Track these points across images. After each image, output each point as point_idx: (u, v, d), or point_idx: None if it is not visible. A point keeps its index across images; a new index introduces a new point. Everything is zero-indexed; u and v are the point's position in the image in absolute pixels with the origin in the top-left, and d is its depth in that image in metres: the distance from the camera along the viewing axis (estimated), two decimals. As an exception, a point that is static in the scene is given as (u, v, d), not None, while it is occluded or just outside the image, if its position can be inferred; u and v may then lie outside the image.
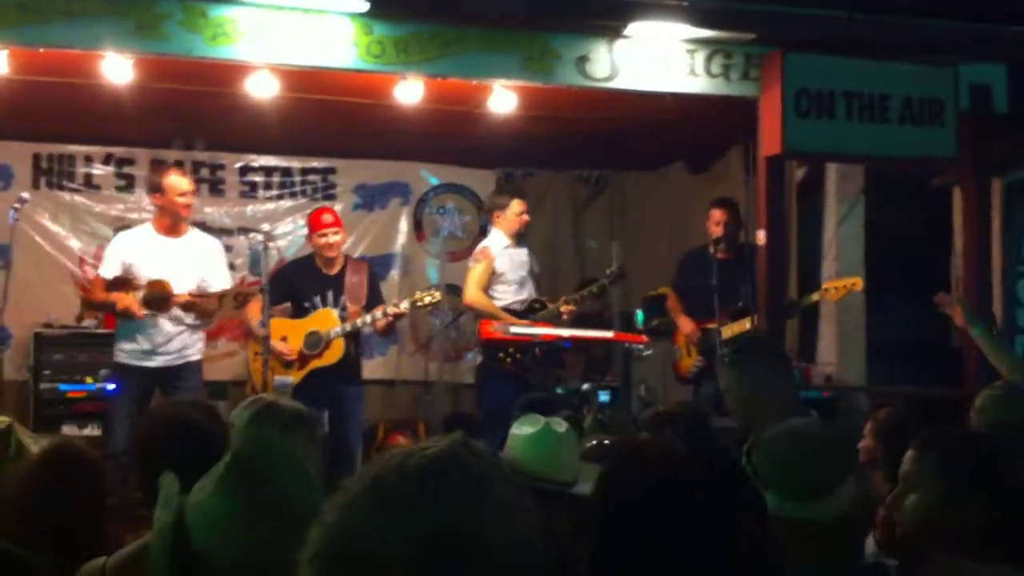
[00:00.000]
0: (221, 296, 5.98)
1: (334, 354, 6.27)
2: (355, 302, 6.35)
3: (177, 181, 5.99)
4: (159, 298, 5.81)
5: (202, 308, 5.92)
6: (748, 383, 3.43)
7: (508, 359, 6.53)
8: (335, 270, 6.44)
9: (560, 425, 2.70)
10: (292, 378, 6.12)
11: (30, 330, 7.31)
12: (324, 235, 6.38)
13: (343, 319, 6.30)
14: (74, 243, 7.71)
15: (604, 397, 6.31)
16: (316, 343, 6.26)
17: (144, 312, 5.78)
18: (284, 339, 6.27)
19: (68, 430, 6.99)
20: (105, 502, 2.84)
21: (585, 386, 6.35)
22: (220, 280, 6.11)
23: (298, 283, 6.43)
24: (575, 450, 2.72)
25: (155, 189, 6.05)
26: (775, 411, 3.30)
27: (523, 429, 2.70)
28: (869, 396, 6.98)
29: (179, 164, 7.71)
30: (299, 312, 6.38)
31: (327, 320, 6.28)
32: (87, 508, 2.68)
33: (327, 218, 6.48)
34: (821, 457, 2.14)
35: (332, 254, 6.40)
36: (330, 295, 6.38)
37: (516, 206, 6.71)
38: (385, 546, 1.14)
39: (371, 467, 1.21)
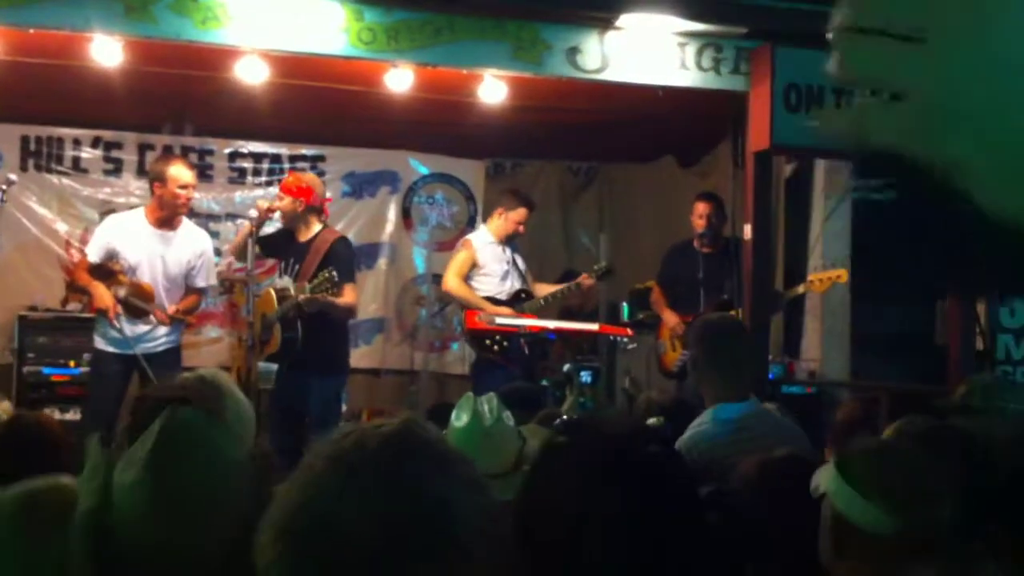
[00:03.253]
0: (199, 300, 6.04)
1: (275, 341, 5.84)
2: (302, 278, 5.87)
3: (180, 172, 5.82)
4: (138, 307, 5.73)
5: (179, 320, 5.89)
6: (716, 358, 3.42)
7: (495, 347, 6.54)
8: (306, 238, 6.02)
9: (489, 417, 2.68)
10: (276, 364, 6.04)
11: (14, 313, 7.29)
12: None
13: (283, 299, 5.86)
14: (61, 226, 7.68)
15: (586, 378, 6.30)
16: (266, 327, 5.84)
17: (115, 321, 5.67)
18: (250, 324, 5.86)
19: (51, 414, 6.99)
20: (61, 468, 2.89)
21: (567, 366, 6.35)
22: (206, 278, 6.04)
23: (278, 246, 6.12)
24: (508, 442, 2.69)
25: (157, 177, 5.85)
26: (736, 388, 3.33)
27: (458, 421, 2.69)
28: (852, 391, 7.01)
29: (167, 149, 7.70)
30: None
31: (269, 303, 5.87)
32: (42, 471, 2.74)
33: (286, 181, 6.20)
34: None
35: (267, 214, 5.91)
36: (292, 263, 6.00)
37: (520, 214, 6.72)
38: (352, 522, 1.14)
39: (326, 445, 1.21)
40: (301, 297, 5.59)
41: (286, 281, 5.97)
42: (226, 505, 1.57)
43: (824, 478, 2.14)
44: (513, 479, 2.55)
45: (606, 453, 1.62)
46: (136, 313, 5.74)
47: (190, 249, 5.96)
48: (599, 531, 1.52)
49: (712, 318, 3.91)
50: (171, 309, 5.82)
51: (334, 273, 5.57)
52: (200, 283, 6.02)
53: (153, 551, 1.57)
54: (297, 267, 5.99)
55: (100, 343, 5.84)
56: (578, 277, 7.00)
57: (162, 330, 5.84)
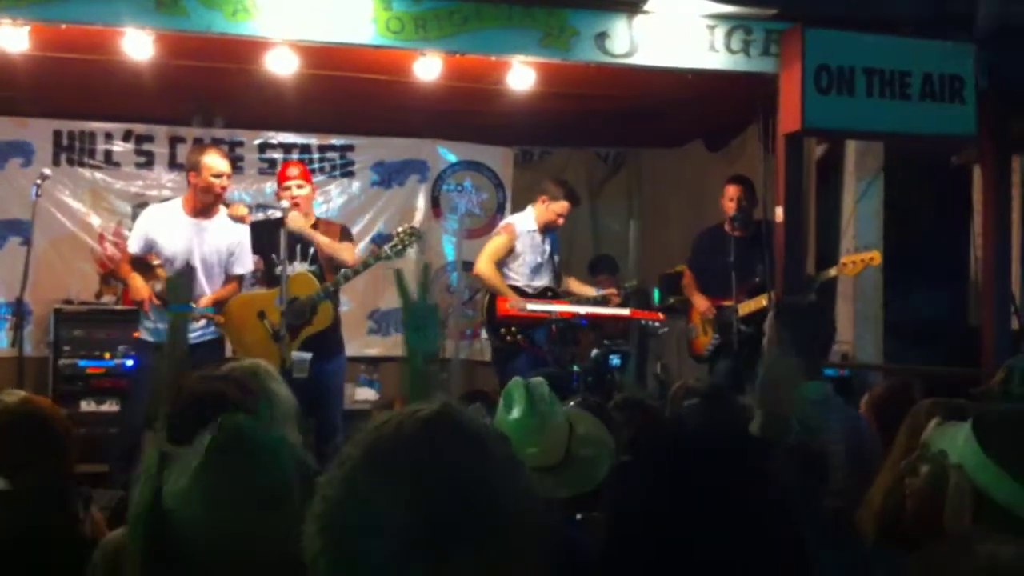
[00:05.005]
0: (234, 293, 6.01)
1: (324, 319, 5.94)
2: (327, 261, 6.06)
3: (214, 161, 5.84)
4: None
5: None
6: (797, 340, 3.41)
7: (508, 336, 6.55)
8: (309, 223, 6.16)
9: (545, 407, 2.61)
10: (311, 353, 6.04)
11: (50, 306, 7.37)
12: (288, 188, 6.08)
13: (320, 278, 5.98)
14: (94, 220, 7.75)
15: (615, 361, 6.29)
16: (302, 310, 5.84)
17: (150, 312, 5.73)
18: (262, 314, 5.93)
19: (86, 406, 7.09)
20: (65, 451, 2.92)
21: (594, 352, 6.33)
22: (242, 267, 6.06)
23: (268, 238, 6.04)
24: (560, 432, 2.64)
25: (192, 167, 5.90)
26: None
27: (508, 412, 2.64)
28: (885, 374, 6.97)
29: (198, 141, 7.74)
30: (269, 271, 6.13)
31: (306, 284, 5.91)
32: (46, 460, 2.78)
33: (292, 171, 6.21)
34: None
35: (298, 210, 6.04)
36: (303, 250, 6.09)
37: (563, 207, 6.72)
38: (394, 509, 1.14)
39: (365, 434, 1.21)
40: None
41: (299, 267, 6.03)
42: (276, 509, 1.60)
43: (960, 451, 1.92)
44: (565, 472, 2.52)
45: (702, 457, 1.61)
46: None
47: (227, 237, 5.99)
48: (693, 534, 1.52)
49: (793, 300, 3.90)
50: (204, 300, 5.84)
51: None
52: (238, 270, 6.05)
53: (206, 550, 1.60)
54: (312, 251, 6.08)
55: (142, 333, 5.94)
56: (609, 276, 7.03)
57: (203, 320, 5.87)
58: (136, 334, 6.11)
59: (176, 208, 5.98)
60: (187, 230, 5.89)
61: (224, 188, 5.94)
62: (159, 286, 5.77)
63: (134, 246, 5.93)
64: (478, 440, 1.22)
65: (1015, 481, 1.82)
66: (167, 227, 5.90)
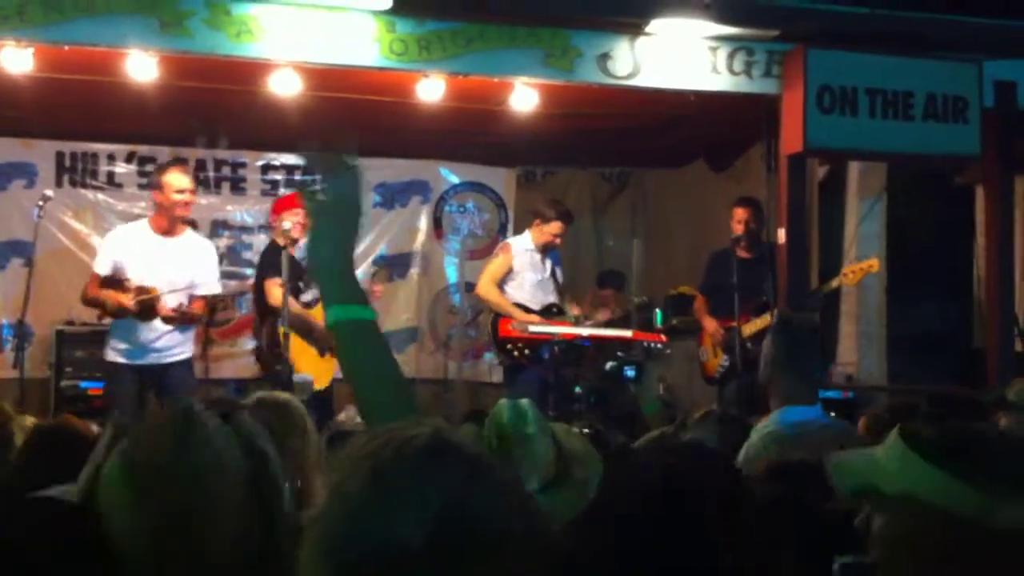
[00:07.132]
0: (210, 306, 5.97)
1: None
2: None
3: (175, 179, 5.81)
4: (145, 308, 5.72)
5: (187, 320, 5.83)
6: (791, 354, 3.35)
7: (515, 352, 6.54)
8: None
9: (516, 429, 2.58)
10: (311, 375, 6.03)
11: (52, 327, 7.36)
12: (297, 213, 5.98)
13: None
14: (96, 241, 7.69)
15: (630, 373, 6.26)
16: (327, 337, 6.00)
17: (136, 308, 5.68)
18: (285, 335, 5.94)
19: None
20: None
21: (609, 365, 6.30)
22: (209, 284, 5.98)
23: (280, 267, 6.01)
24: (543, 458, 2.59)
25: (155, 186, 5.91)
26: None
27: None
28: (889, 395, 6.95)
29: (201, 162, 7.74)
30: (296, 297, 6.16)
31: (320, 312, 5.98)
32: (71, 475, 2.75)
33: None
34: None
35: (299, 235, 5.98)
36: (296, 280, 6.09)
37: (556, 227, 6.71)
38: (394, 536, 1.13)
39: (360, 458, 1.19)
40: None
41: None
42: (211, 517, 1.55)
43: (903, 479, 1.60)
44: (564, 492, 2.48)
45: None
46: (145, 316, 5.70)
47: (191, 257, 5.93)
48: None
49: (792, 318, 3.85)
50: (173, 309, 5.77)
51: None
52: (203, 290, 5.94)
53: (134, 546, 1.56)
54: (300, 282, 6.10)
55: (111, 355, 5.83)
56: (615, 291, 7.01)
57: (175, 339, 5.82)
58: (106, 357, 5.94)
59: (143, 227, 5.95)
60: (152, 249, 5.83)
61: (188, 204, 5.89)
62: (131, 295, 5.73)
63: (103, 268, 5.85)
64: (474, 465, 1.20)
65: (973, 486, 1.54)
66: (132, 247, 5.84)
